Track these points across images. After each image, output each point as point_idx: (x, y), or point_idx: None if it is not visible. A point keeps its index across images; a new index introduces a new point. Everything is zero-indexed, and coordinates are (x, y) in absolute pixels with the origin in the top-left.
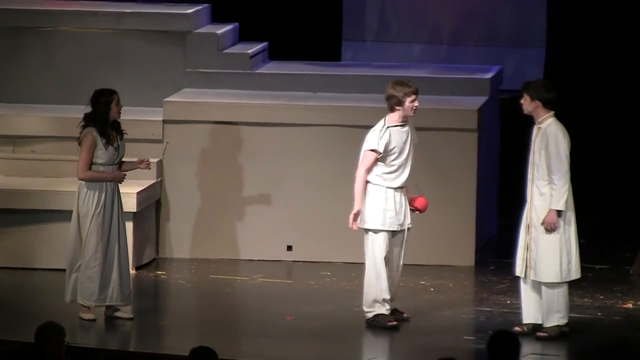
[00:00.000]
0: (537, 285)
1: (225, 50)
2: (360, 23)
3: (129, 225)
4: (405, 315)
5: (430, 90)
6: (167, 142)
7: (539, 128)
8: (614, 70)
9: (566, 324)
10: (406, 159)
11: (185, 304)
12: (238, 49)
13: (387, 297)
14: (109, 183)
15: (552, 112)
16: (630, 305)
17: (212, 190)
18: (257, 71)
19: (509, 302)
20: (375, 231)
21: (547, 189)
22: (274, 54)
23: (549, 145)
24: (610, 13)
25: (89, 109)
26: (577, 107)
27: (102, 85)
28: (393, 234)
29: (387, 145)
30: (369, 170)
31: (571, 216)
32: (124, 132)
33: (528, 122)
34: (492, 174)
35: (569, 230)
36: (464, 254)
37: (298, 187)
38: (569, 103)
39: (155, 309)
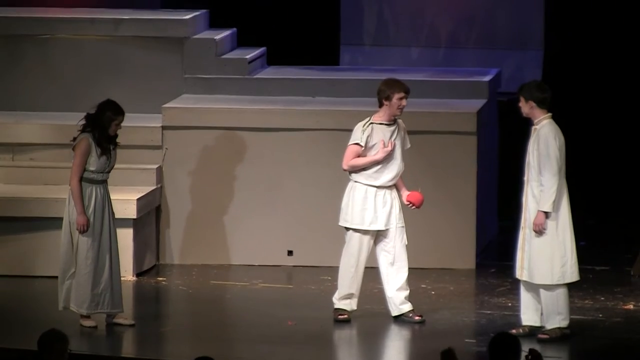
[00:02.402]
0: (536, 288)
1: (224, 56)
2: (358, 27)
3: (129, 232)
4: (417, 318)
5: (429, 93)
6: (166, 148)
7: (535, 129)
8: (613, 72)
9: (567, 326)
10: (388, 158)
11: (186, 310)
12: (236, 54)
13: (347, 292)
14: (99, 188)
15: (549, 114)
16: (631, 307)
17: (212, 196)
18: (256, 76)
19: (510, 304)
20: (352, 230)
21: (539, 190)
22: (272, 59)
23: (540, 146)
24: (609, 15)
25: (93, 110)
26: (576, 109)
27: (101, 93)
28: (378, 232)
29: (368, 139)
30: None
31: (566, 218)
32: (117, 142)
33: (527, 124)
34: (491, 176)
35: (564, 232)
36: (465, 257)
37: (298, 192)
38: (568, 105)
39: (156, 315)
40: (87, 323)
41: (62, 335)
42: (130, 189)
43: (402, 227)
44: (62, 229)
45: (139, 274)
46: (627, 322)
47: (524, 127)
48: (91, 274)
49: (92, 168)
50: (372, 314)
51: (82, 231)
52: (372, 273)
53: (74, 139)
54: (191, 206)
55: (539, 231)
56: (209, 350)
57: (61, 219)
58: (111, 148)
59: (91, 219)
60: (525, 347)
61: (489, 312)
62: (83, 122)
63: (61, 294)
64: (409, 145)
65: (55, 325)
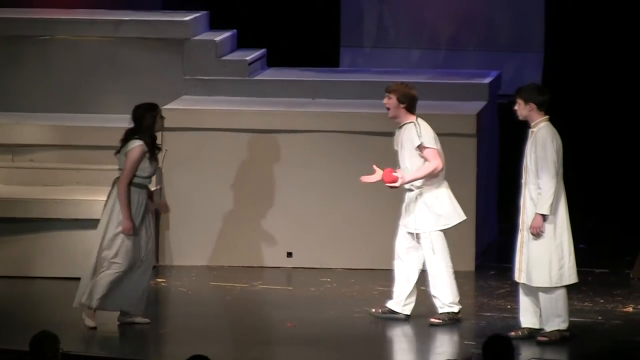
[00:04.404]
0: (535, 290)
1: (224, 57)
2: (359, 29)
3: None
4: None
5: (429, 95)
6: (166, 150)
7: (532, 132)
8: (612, 74)
9: (567, 328)
10: (400, 160)
11: (185, 311)
12: (236, 55)
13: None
14: (143, 193)
15: (547, 117)
16: (631, 309)
17: (212, 197)
18: (256, 78)
19: (509, 307)
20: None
21: (536, 193)
22: (272, 61)
23: (537, 149)
24: (609, 17)
25: (119, 123)
26: (575, 111)
27: (101, 94)
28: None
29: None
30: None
31: (564, 221)
32: (159, 145)
33: (527, 127)
34: (491, 178)
35: (561, 235)
36: (464, 259)
37: (298, 194)
38: (567, 107)
39: (156, 316)
40: (88, 322)
41: (53, 335)
42: None
43: (418, 234)
44: (98, 226)
45: None
46: (626, 324)
47: (524, 129)
48: (125, 274)
49: (144, 174)
50: (371, 315)
51: (128, 235)
52: (371, 274)
53: (119, 149)
54: (191, 207)
55: (537, 234)
56: (208, 351)
57: (60, 219)
58: (155, 152)
59: (136, 222)
60: (524, 350)
61: (488, 314)
62: (123, 137)
63: (86, 288)
64: (409, 144)
65: (54, 327)
